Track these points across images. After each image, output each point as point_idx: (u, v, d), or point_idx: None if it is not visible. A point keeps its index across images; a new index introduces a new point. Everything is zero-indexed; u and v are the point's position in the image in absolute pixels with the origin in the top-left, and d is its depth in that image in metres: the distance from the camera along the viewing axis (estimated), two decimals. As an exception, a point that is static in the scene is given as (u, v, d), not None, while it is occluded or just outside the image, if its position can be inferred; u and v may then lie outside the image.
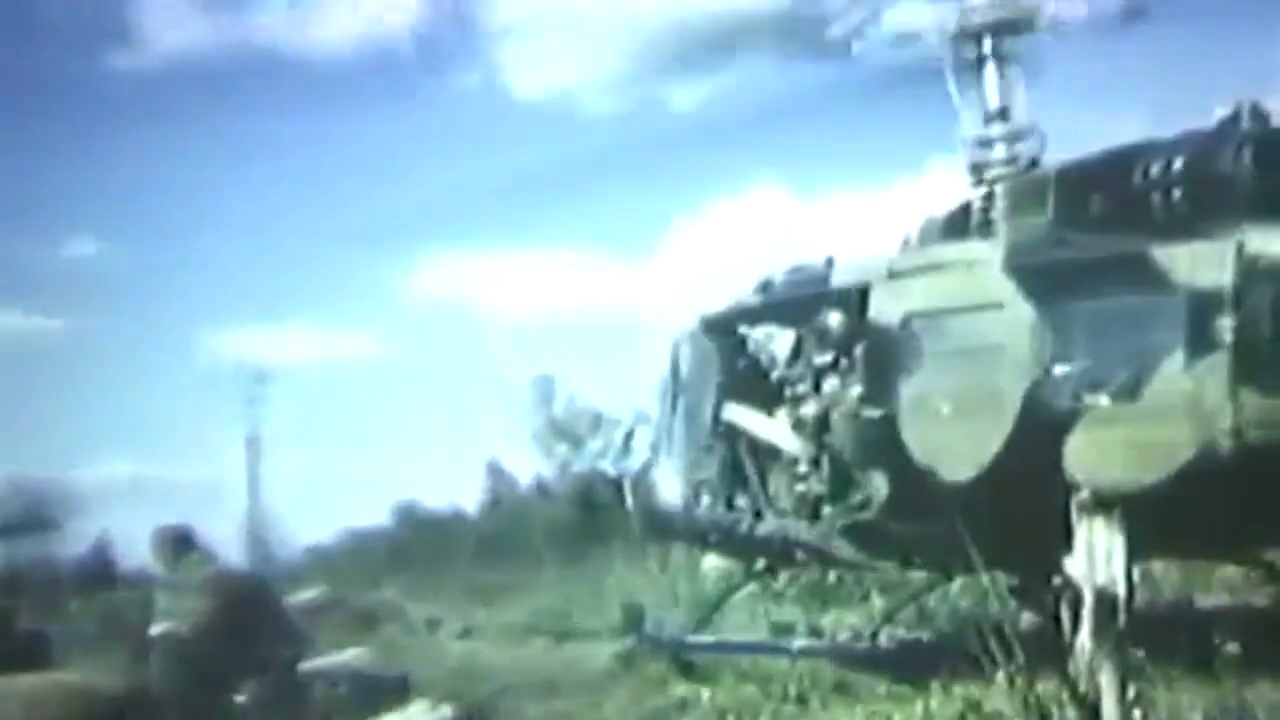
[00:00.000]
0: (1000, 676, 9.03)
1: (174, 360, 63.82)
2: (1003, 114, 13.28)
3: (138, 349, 65.02)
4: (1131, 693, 8.81)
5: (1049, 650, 9.34)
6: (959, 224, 12.66)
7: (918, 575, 14.59)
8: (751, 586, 15.86)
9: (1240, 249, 10.17)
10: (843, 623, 15.97)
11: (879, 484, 11.89)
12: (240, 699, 10.91)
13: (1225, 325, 10.10)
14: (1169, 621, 11.94)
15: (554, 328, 57.44)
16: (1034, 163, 12.92)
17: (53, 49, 55.01)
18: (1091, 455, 10.56)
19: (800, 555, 13.23)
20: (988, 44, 13.31)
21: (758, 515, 13.03)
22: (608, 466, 37.59)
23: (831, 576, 17.12)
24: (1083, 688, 8.86)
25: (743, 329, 13.94)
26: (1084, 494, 10.08)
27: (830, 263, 13.26)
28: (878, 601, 16.65)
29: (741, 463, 13.15)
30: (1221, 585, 15.77)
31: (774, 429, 12.86)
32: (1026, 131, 13.21)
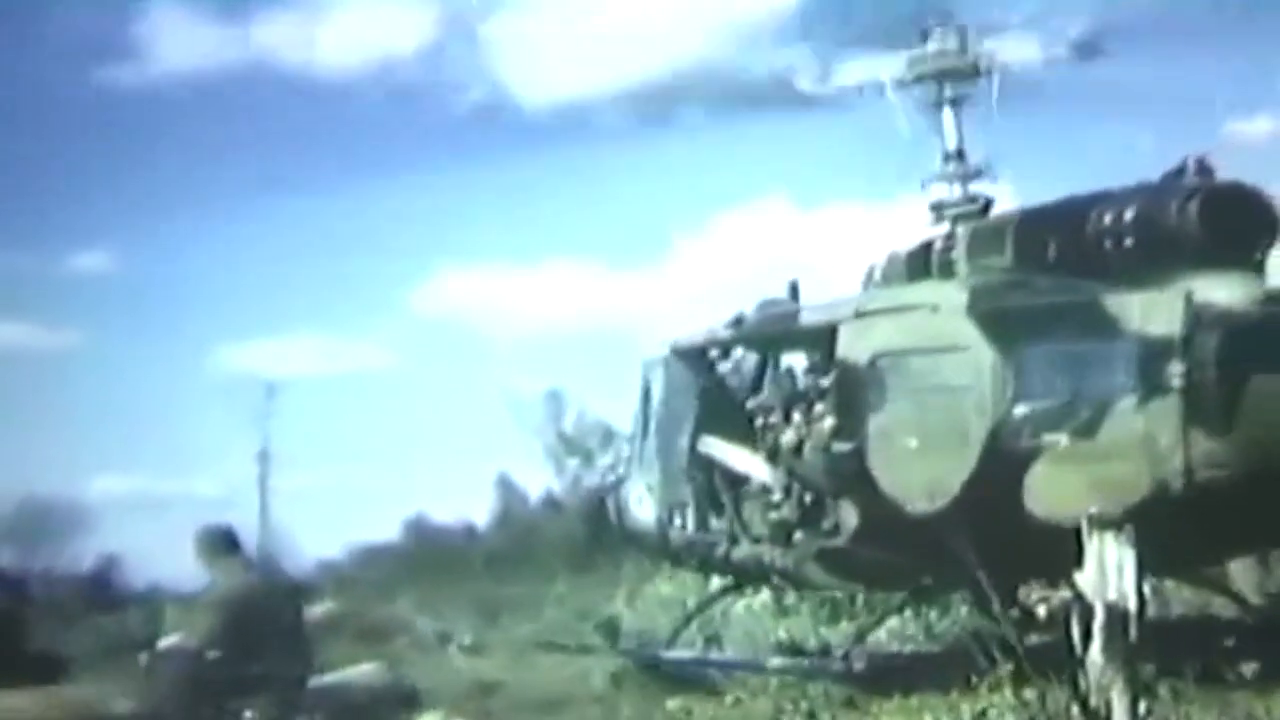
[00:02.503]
0: (1009, 691, 9.47)
1: (184, 374, 62.88)
2: (959, 155, 13.90)
3: (147, 362, 64.02)
4: (1143, 708, 9.17)
5: (1060, 665, 9.54)
6: (921, 262, 13.30)
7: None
8: (746, 600, 16.35)
9: (1189, 299, 10.89)
10: (848, 639, 16.33)
11: (848, 513, 12.57)
12: (248, 715, 10.92)
13: (1175, 371, 10.82)
14: (1180, 636, 12.22)
15: (563, 341, 57.51)
16: (989, 203, 13.57)
17: (61, 63, 54.46)
18: (1050, 491, 11.24)
19: (774, 579, 13.92)
20: (946, 88, 13.91)
21: (733, 539, 13.68)
22: (621, 474, 37.42)
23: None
24: (1094, 702, 9.14)
25: (714, 358, 14.55)
26: (1094, 509, 10.23)
27: (795, 291, 13.90)
28: (891, 617, 16.59)
29: (716, 490, 13.79)
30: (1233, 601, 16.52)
31: (748, 461, 13.49)
32: (982, 171, 13.87)
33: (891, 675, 12.61)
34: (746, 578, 14.65)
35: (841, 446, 12.57)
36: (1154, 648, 9.73)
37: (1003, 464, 11.49)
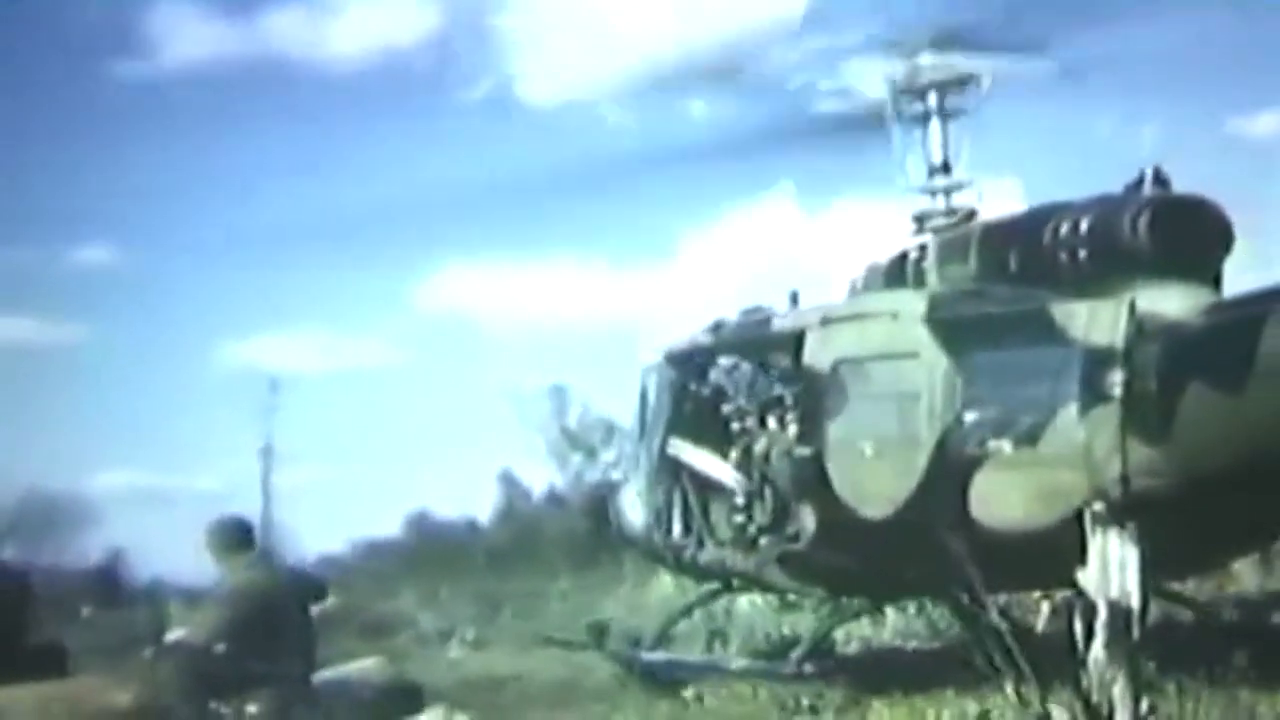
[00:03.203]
0: (1011, 689, 9.27)
1: (188, 369, 63.45)
2: (945, 167, 13.90)
3: (150, 357, 64.59)
4: (1145, 706, 9.20)
5: (1062, 663, 9.55)
6: (898, 272, 13.40)
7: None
8: (750, 596, 16.43)
9: (1131, 309, 10.90)
10: (854, 636, 16.43)
11: (808, 518, 12.68)
12: (252, 709, 10.83)
13: (1115, 380, 10.82)
14: (1182, 634, 12.42)
15: (567, 337, 57.67)
16: (971, 215, 13.59)
17: (67, 57, 55.42)
18: (994, 497, 11.33)
19: (736, 583, 14.05)
20: (932, 100, 13.93)
21: (699, 542, 13.84)
22: (619, 477, 37.87)
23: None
24: (1095, 700, 9.14)
25: (704, 363, 14.70)
26: (1098, 506, 10.41)
27: (795, 300, 14.02)
28: (891, 616, 17.07)
29: (686, 494, 13.95)
30: (1236, 599, 16.38)
31: (714, 464, 13.64)
32: (966, 185, 13.86)
33: (893, 672, 12.74)
34: (712, 580, 14.78)
35: (802, 451, 12.69)
36: (1156, 645, 9.88)
37: (951, 470, 11.57)
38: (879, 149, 14.32)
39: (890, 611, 17.05)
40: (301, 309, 66.19)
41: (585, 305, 62.40)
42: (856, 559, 12.44)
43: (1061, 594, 13.30)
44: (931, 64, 14.06)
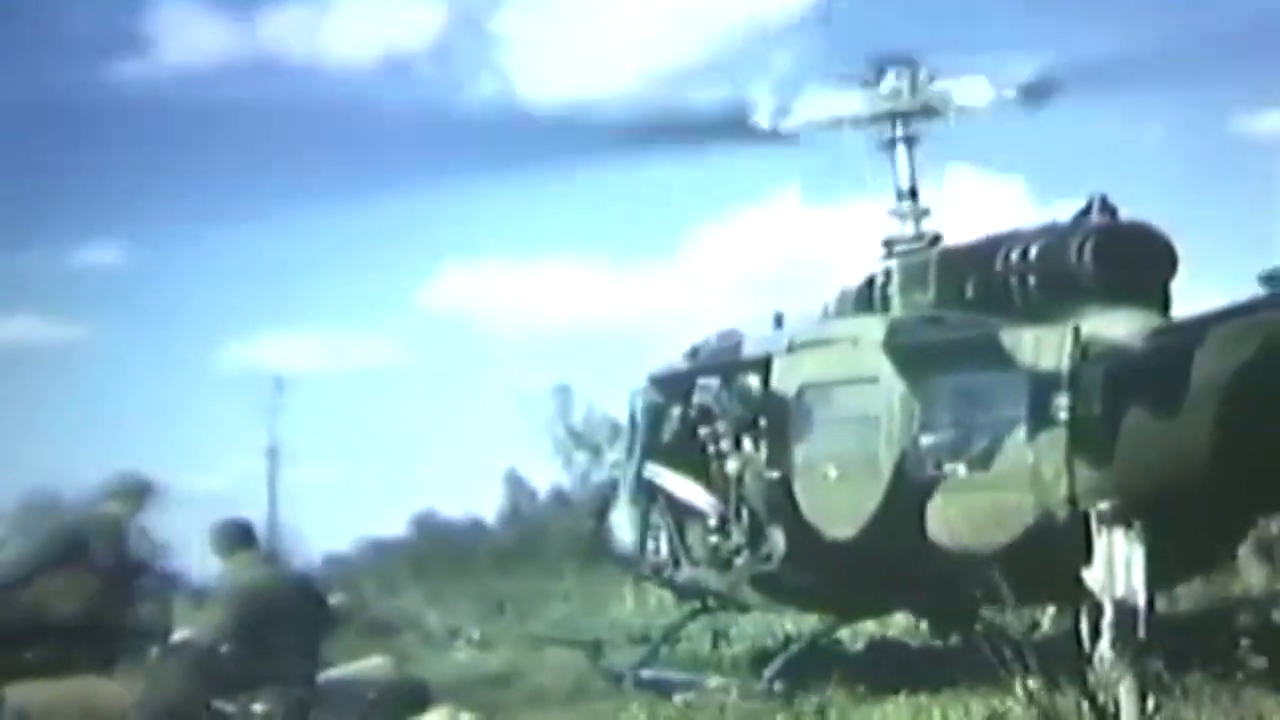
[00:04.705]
0: (1019, 688, 9.55)
1: (192, 369, 63.83)
2: (912, 193, 14.26)
3: (155, 357, 65.04)
4: (1151, 704, 9.37)
5: (1069, 662, 9.72)
6: (865, 297, 13.79)
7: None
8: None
9: (1076, 334, 11.29)
10: (859, 637, 16.59)
11: (778, 538, 13.09)
12: (258, 708, 10.96)
13: (1061, 403, 11.24)
14: (1189, 633, 12.36)
15: (571, 337, 58.03)
16: (936, 239, 13.95)
17: (68, 58, 55.69)
18: (949, 518, 11.75)
19: (712, 602, 14.48)
20: (899, 128, 14.29)
21: (675, 562, 14.27)
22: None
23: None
24: (1102, 699, 9.33)
25: (680, 387, 15.09)
26: (1103, 506, 10.54)
27: (779, 322, 14.37)
28: (897, 618, 16.97)
29: (662, 515, 14.38)
30: (1242, 598, 16.36)
31: (688, 488, 14.05)
32: (933, 210, 14.22)
33: (899, 670, 12.91)
34: (688, 598, 15.20)
35: (771, 474, 13.10)
36: (1162, 644, 9.98)
37: (909, 492, 11.98)
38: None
39: (897, 616, 16.82)
40: (306, 309, 66.43)
41: (589, 305, 62.72)
42: (825, 578, 12.85)
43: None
44: (894, 91, 14.42)
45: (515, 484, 43.59)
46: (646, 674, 14.68)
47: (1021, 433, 11.44)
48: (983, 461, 11.68)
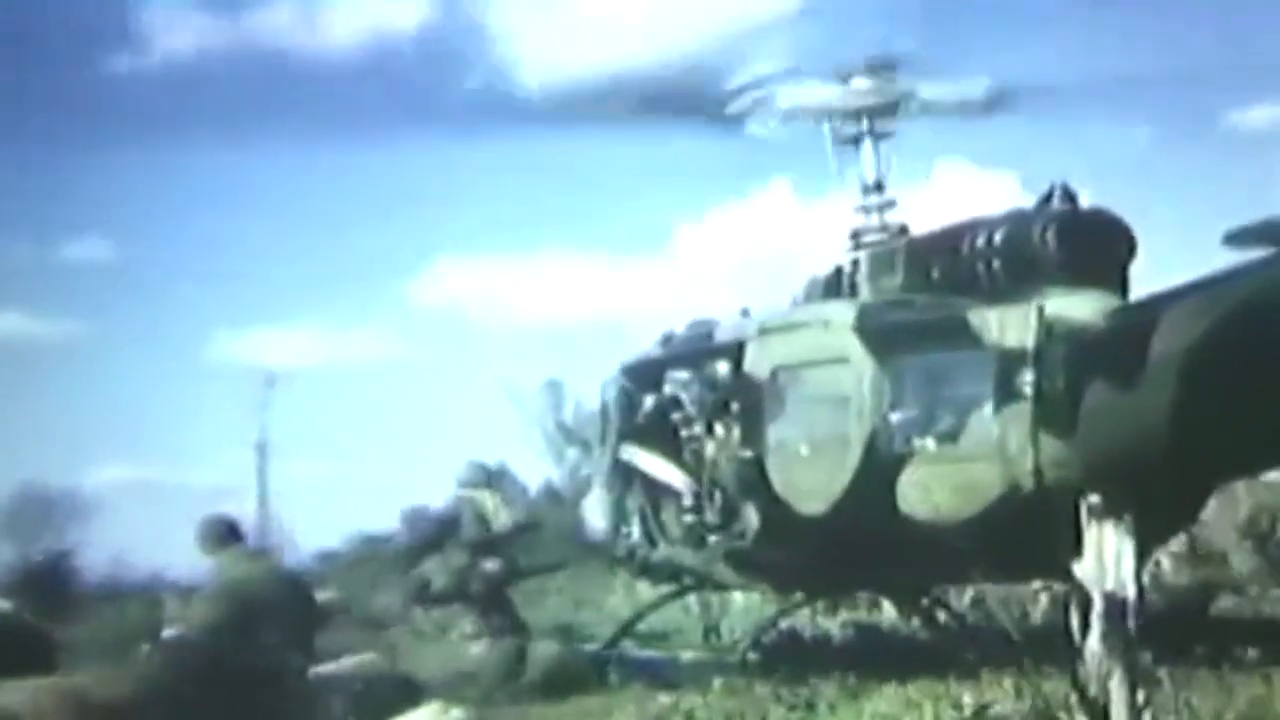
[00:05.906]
0: (1008, 681, 9.91)
1: (182, 363, 63.74)
2: (878, 187, 14.75)
3: (146, 352, 65.13)
4: (1141, 697, 9.46)
5: (1058, 654, 9.98)
6: (834, 285, 14.28)
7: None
8: None
9: (1040, 313, 11.80)
10: (851, 626, 17.11)
11: (752, 516, 13.53)
12: (249, 704, 11.04)
13: (1026, 379, 11.72)
14: (1179, 625, 12.76)
15: (562, 331, 58.21)
16: (902, 230, 14.44)
17: (59, 50, 55.54)
18: (919, 492, 12.23)
19: (688, 580, 14.91)
20: (865, 123, 14.78)
21: (651, 543, 14.69)
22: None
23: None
24: (1092, 691, 9.48)
25: (652, 374, 15.53)
26: (1093, 497, 10.87)
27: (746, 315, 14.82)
28: (888, 607, 17.50)
29: (638, 496, 14.81)
30: (1232, 589, 16.90)
31: (663, 468, 14.48)
32: (898, 203, 14.72)
33: (889, 661, 13.18)
34: (665, 579, 15.63)
35: (745, 453, 13.55)
36: (1153, 635, 10.24)
37: (880, 467, 12.45)
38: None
39: (888, 605, 17.39)
40: (297, 303, 66.67)
41: (581, 300, 63.06)
42: (798, 555, 13.30)
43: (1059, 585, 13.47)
44: (864, 88, 14.89)
45: (506, 479, 43.48)
46: (611, 654, 15.09)
47: (988, 408, 11.92)
48: (951, 436, 12.17)
